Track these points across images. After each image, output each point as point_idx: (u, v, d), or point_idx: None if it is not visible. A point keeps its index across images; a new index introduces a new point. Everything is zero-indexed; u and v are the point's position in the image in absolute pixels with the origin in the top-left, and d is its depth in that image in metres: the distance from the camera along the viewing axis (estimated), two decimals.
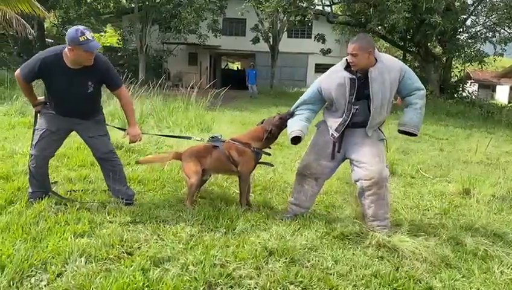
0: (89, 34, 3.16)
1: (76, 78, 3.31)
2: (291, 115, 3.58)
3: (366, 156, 3.30)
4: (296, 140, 3.44)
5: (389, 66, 3.23)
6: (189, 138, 4.26)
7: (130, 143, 3.79)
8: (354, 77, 3.23)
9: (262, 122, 3.84)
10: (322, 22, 23.47)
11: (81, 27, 3.19)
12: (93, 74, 3.36)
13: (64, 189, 3.99)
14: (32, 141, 3.56)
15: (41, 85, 3.51)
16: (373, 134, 3.37)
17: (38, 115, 3.58)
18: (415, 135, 3.44)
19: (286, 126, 3.59)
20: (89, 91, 3.41)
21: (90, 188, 4.09)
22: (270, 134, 3.68)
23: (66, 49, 3.22)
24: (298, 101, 3.59)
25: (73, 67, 3.27)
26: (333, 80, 3.33)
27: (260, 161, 3.82)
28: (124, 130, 3.85)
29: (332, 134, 3.39)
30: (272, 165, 4.15)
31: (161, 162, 4.62)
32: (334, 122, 3.39)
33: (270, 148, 3.88)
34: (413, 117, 3.35)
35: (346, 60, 3.30)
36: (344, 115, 3.32)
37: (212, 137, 3.87)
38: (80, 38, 3.11)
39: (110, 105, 8.07)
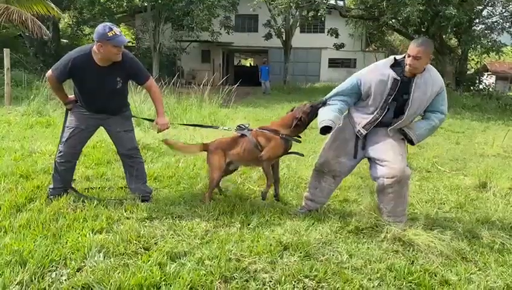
0: (116, 29, 3.24)
1: (106, 75, 3.40)
2: (324, 103, 3.45)
3: (388, 154, 3.25)
4: (325, 130, 3.31)
5: (434, 79, 3.19)
6: (217, 128, 4.28)
7: (158, 132, 3.84)
8: (399, 78, 3.16)
9: (292, 110, 3.73)
10: (335, 16, 23.29)
11: (108, 23, 3.29)
12: (121, 70, 3.44)
13: (82, 187, 4.07)
14: (61, 137, 3.66)
15: (68, 83, 3.60)
16: (395, 133, 3.33)
17: (69, 112, 3.67)
18: (412, 144, 3.38)
19: (317, 115, 3.45)
20: (117, 87, 3.50)
21: (107, 185, 4.16)
22: (300, 121, 3.55)
23: (94, 46, 3.31)
24: (333, 92, 3.45)
25: (102, 65, 3.36)
26: (376, 75, 3.23)
27: (290, 151, 3.73)
28: (152, 120, 3.91)
29: (359, 131, 3.35)
30: (302, 155, 3.93)
31: (187, 153, 4.43)
32: (362, 119, 3.34)
33: (299, 136, 3.74)
34: (422, 128, 3.32)
35: (395, 58, 3.23)
36: (376, 113, 3.27)
37: (239, 126, 3.80)
38: (109, 33, 3.19)
39: None
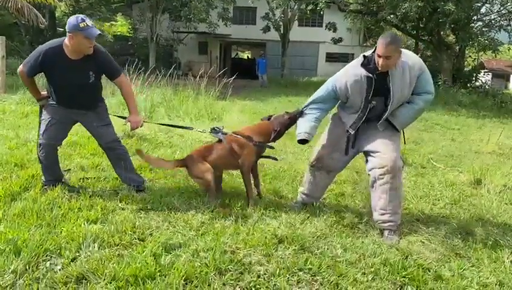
0: (89, 21, 3.22)
1: (77, 68, 3.36)
2: (301, 114, 3.48)
3: (380, 145, 3.22)
4: (303, 141, 3.39)
5: (411, 63, 3.13)
6: (191, 129, 4.25)
7: (131, 130, 3.78)
8: (371, 75, 3.10)
9: (269, 118, 3.72)
10: (333, 10, 23.23)
11: (81, 15, 3.26)
12: (93, 63, 3.40)
13: (77, 177, 4.06)
14: (39, 130, 3.63)
15: (41, 78, 3.56)
16: (386, 127, 3.30)
17: (43, 108, 3.64)
18: (397, 131, 3.35)
19: (294, 124, 3.53)
20: (90, 81, 3.46)
21: (102, 175, 4.15)
22: (277, 133, 3.60)
23: (66, 39, 3.28)
24: (310, 99, 3.47)
25: (74, 58, 3.32)
26: (349, 77, 3.21)
27: (264, 155, 3.74)
28: (124, 118, 3.81)
29: (347, 130, 3.34)
30: (276, 159, 3.97)
31: (163, 167, 4.12)
32: (349, 119, 3.33)
33: (273, 141, 3.74)
34: (406, 114, 3.27)
35: (364, 56, 3.18)
36: (360, 112, 3.25)
37: (214, 129, 3.72)
38: (80, 24, 3.16)
39: (117, 96, 8.15)
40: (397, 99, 3.16)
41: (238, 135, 3.62)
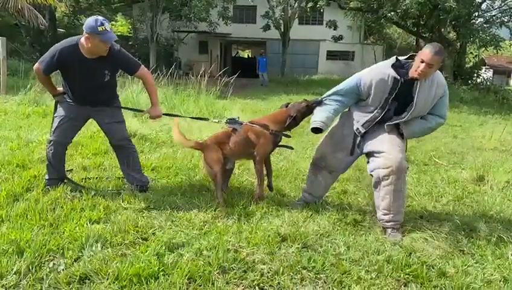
0: (107, 25, 3.21)
1: (93, 67, 3.37)
2: (319, 103, 3.44)
3: (386, 145, 3.20)
4: (316, 130, 3.34)
5: (439, 80, 3.15)
6: (207, 120, 4.26)
7: (151, 119, 3.81)
8: (399, 78, 3.09)
9: (287, 106, 3.70)
10: (333, 8, 23.18)
11: (100, 18, 3.24)
12: (108, 62, 3.41)
13: (79, 177, 4.06)
14: (51, 127, 3.64)
15: (57, 75, 3.58)
16: (392, 129, 3.28)
17: (58, 104, 3.65)
18: (402, 137, 3.34)
19: (310, 113, 3.49)
20: (105, 80, 3.47)
21: (104, 175, 4.15)
22: (294, 120, 3.55)
23: (82, 38, 3.28)
24: (332, 90, 3.40)
25: (89, 57, 3.33)
26: (376, 74, 3.18)
27: (280, 144, 3.71)
28: (140, 111, 4.05)
29: (357, 128, 3.32)
30: (292, 148, 3.98)
31: (182, 145, 4.10)
32: (362, 117, 3.30)
33: (289, 130, 3.72)
34: (416, 126, 3.29)
35: (397, 58, 3.18)
36: (376, 112, 3.23)
37: (230, 119, 3.71)
38: (99, 28, 3.16)
39: (122, 93, 8.15)
40: (418, 109, 3.15)
41: (254, 124, 3.61)
